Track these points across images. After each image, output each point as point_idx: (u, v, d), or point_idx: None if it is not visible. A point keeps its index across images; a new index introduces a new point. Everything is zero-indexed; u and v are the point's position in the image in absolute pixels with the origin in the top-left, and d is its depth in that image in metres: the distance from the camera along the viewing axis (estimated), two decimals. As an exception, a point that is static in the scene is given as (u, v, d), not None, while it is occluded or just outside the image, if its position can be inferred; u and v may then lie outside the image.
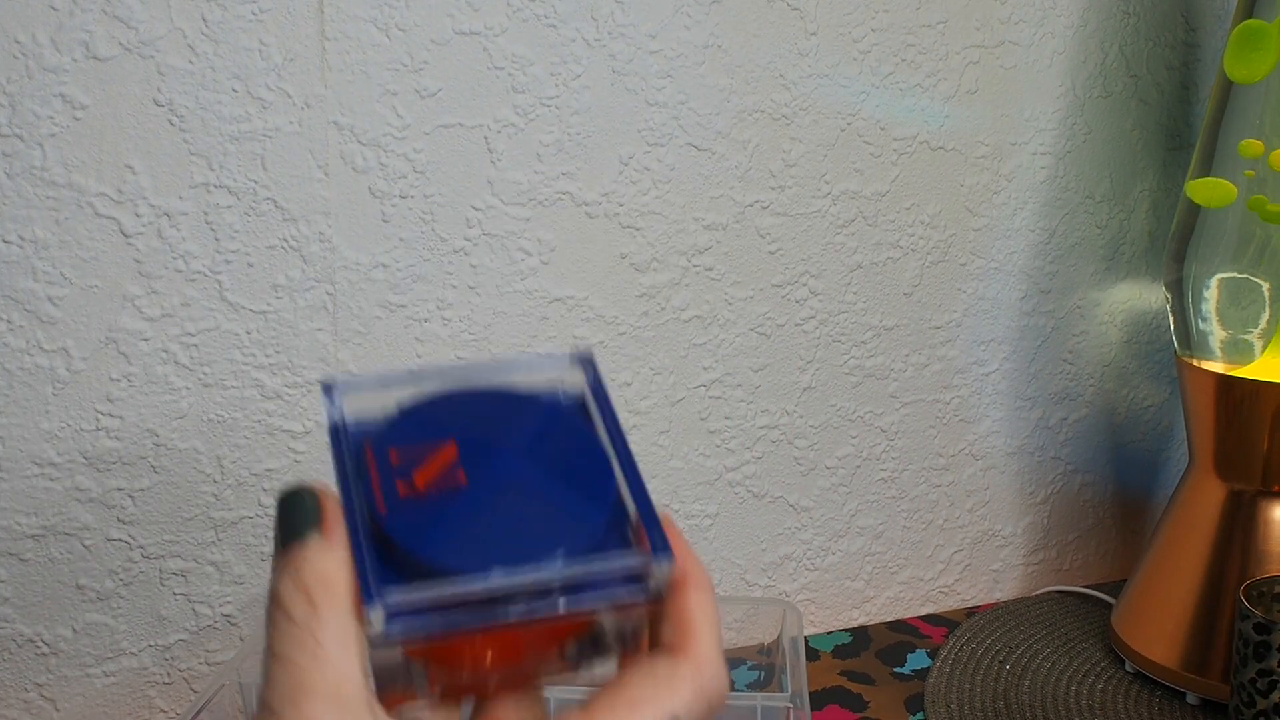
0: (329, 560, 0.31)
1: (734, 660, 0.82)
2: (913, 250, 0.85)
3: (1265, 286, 0.75)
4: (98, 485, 0.69)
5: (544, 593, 0.31)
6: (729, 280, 0.80)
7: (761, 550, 0.86)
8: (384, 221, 0.71)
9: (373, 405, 0.35)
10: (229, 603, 0.73)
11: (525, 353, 0.34)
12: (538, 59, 0.72)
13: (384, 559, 0.31)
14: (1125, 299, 0.94)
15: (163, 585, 0.72)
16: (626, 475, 0.34)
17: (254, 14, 0.66)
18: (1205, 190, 0.76)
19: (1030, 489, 0.94)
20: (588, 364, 0.38)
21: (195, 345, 0.69)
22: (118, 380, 0.68)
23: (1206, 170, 0.77)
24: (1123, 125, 0.90)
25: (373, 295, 0.72)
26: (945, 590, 0.93)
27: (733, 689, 0.79)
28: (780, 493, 0.85)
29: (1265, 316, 0.75)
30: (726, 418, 0.82)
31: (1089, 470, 0.97)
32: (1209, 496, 0.78)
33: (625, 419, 0.79)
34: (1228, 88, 0.76)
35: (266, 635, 0.31)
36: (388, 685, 0.32)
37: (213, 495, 0.71)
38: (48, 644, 0.70)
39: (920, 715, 0.75)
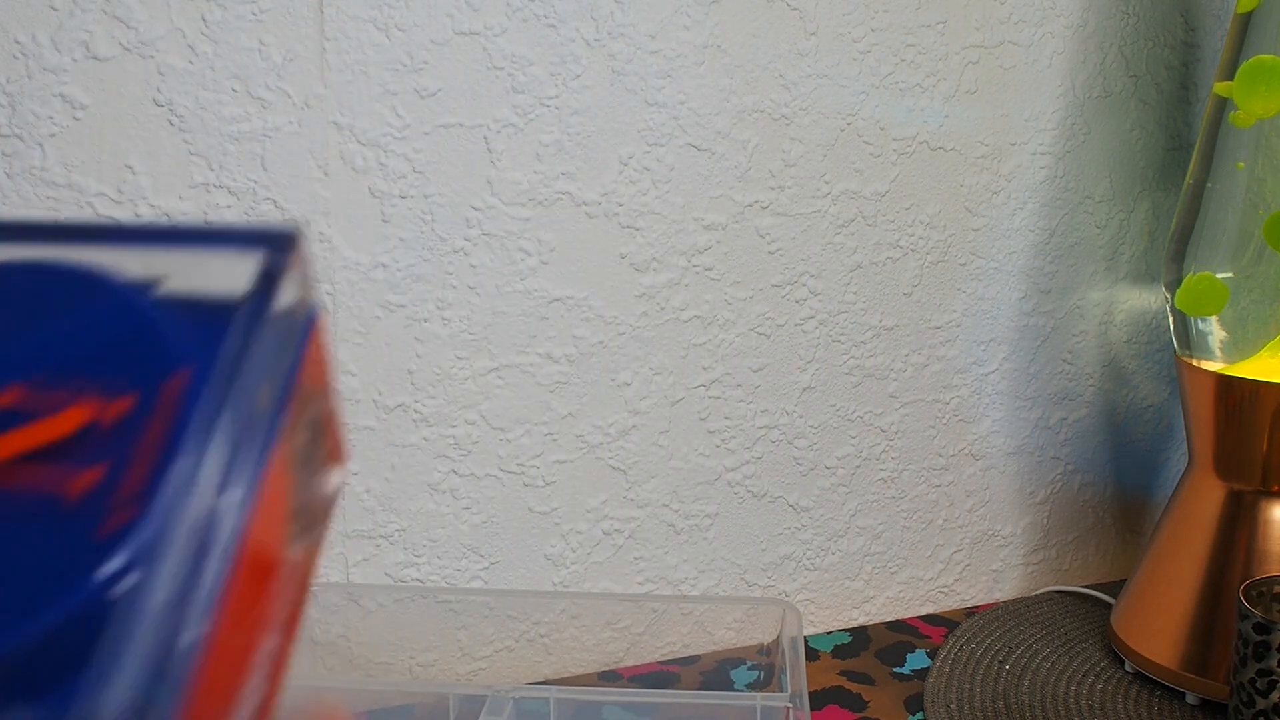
0: None
1: (734, 660, 0.82)
2: (912, 250, 0.85)
3: (1265, 287, 0.75)
4: (97, 485, 0.69)
5: None
6: (729, 280, 0.80)
7: (761, 550, 0.86)
8: (384, 221, 0.71)
9: None
10: (229, 603, 0.73)
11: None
12: (537, 59, 0.72)
13: None
14: (1125, 299, 0.94)
15: (162, 585, 0.72)
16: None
17: (254, 14, 0.66)
18: (1194, 294, 0.76)
19: (1030, 489, 0.94)
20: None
21: (195, 345, 0.69)
22: (117, 380, 0.68)
23: (1206, 170, 0.77)
24: (1122, 125, 0.90)
25: (372, 295, 0.72)
26: (945, 590, 0.93)
27: (733, 689, 0.79)
28: (780, 493, 0.85)
29: (1265, 316, 0.75)
30: (726, 418, 0.82)
31: (1089, 470, 0.97)
32: (1209, 496, 0.78)
33: (625, 419, 0.80)
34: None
35: None
36: None
37: (212, 495, 0.71)
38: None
39: (920, 715, 0.75)
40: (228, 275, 0.20)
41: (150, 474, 0.17)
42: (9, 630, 0.16)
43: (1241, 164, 0.75)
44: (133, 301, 0.20)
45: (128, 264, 0.20)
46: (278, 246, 0.21)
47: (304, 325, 0.21)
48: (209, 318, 0.19)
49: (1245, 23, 0.75)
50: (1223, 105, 0.76)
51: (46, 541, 0.17)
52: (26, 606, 0.17)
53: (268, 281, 0.20)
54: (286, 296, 0.20)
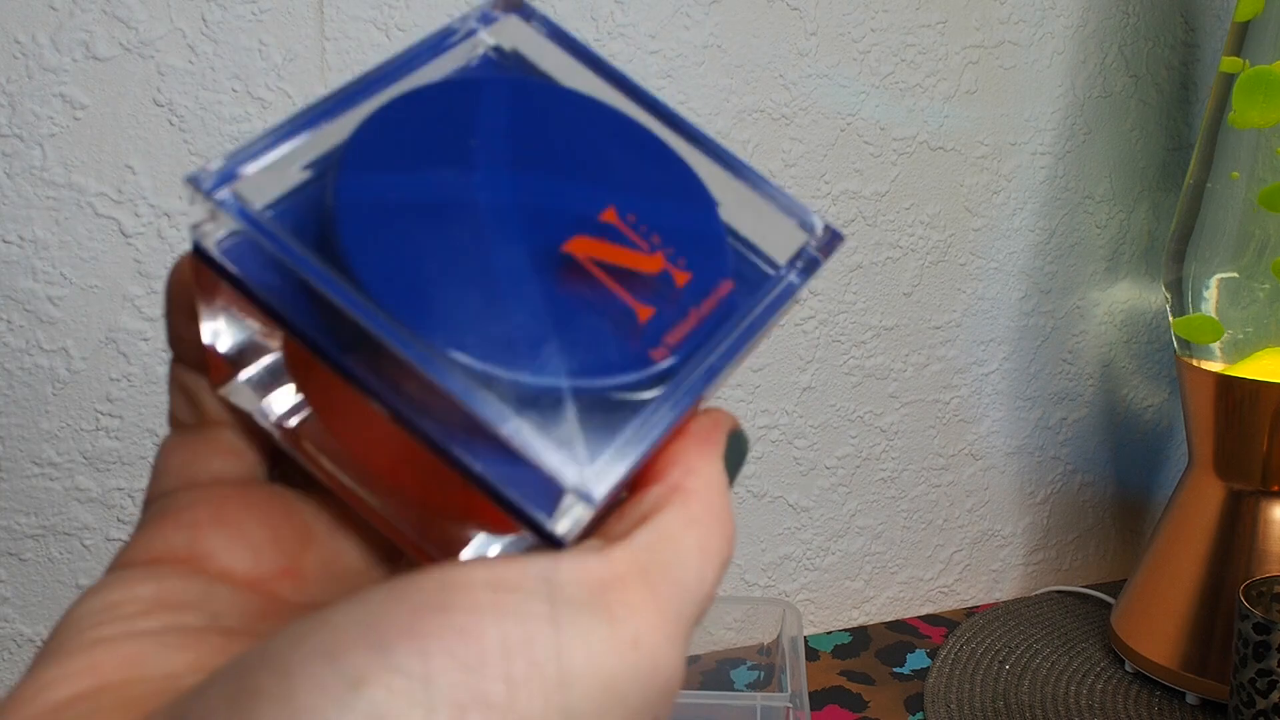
0: None
1: (734, 660, 0.82)
2: (912, 250, 0.85)
3: (1265, 287, 0.75)
4: (98, 485, 0.69)
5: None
6: (729, 280, 0.80)
7: (761, 550, 0.86)
8: (384, 221, 0.71)
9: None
10: (229, 603, 0.73)
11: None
12: (537, 59, 0.72)
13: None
14: (1125, 299, 0.94)
15: (162, 585, 0.72)
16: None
17: (254, 14, 0.66)
18: (1191, 327, 0.77)
19: (1030, 489, 0.94)
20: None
21: (195, 345, 0.69)
22: (118, 380, 0.68)
23: (1206, 170, 0.77)
24: (1122, 125, 0.90)
25: (372, 295, 0.72)
26: (945, 590, 0.93)
27: (733, 689, 0.79)
28: (780, 493, 0.85)
29: (1265, 317, 0.75)
30: (726, 418, 0.82)
31: (1089, 470, 0.97)
32: (1209, 496, 0.78)
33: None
34: (1227, 88, 0.76)
35: None
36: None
37: (212, 495, 0.71)
38: (47, 644, 0.70)
39: (920, 715, 0.75)
40: (768, 235, 0.27)
41: (686, 341, 0.24)
42: (589, 373, 0.22)
43: (1236, 174, 0.75)
44: (712, 210, 0.26)
45: (701, 170, 0.26)
46: (824, 245, 0.27)
47: (782, 296, 0.26)
48: (752, 263, 0.26)
49: (1243, 32, 0.75)
50: (1223, 102, 0.76)
51: (620, 337, 0.23)
52: (602, 365, 0.22)
53: (806, 268, 0.27)
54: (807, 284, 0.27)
